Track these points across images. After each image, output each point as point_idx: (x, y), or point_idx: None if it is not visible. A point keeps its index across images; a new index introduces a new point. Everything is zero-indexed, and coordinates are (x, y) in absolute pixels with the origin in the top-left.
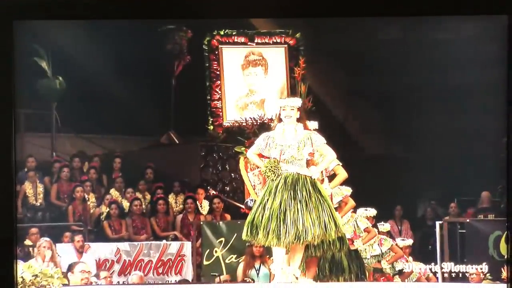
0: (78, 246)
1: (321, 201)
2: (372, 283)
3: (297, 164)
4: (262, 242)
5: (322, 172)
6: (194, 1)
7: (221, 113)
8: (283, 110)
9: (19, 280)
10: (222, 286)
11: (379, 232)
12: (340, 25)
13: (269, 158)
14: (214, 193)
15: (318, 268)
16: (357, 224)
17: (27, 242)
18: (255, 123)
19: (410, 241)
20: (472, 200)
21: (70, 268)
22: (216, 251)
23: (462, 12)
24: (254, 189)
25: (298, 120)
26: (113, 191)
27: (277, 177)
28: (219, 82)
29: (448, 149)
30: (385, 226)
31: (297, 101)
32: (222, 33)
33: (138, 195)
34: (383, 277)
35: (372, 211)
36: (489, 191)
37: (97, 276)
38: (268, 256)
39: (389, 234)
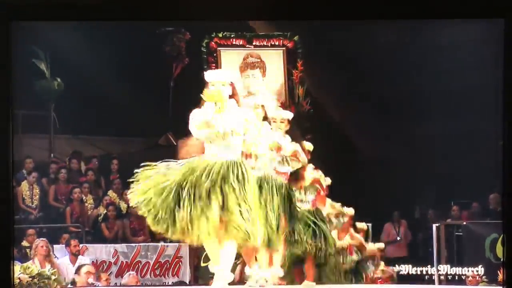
0: (74, 250)
1: None
2: (370, 285)
3: None
4: None
5: None
6: (192, 3)
7: None
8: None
9: (16, 281)
10: None
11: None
12: (338, 28)
13: None
14: None
15: None
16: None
17: (24, 243)
18: None
19: (381, 245)
20: (468, 203)
21: (78, 270)
22: None
23: (459, 16)
24: None
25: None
26: (111, 193)
27: None
28: None
29: (445, 151)
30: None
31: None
32: (220, 35)
33: None
34: (380, 279)
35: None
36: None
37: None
38: None
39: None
